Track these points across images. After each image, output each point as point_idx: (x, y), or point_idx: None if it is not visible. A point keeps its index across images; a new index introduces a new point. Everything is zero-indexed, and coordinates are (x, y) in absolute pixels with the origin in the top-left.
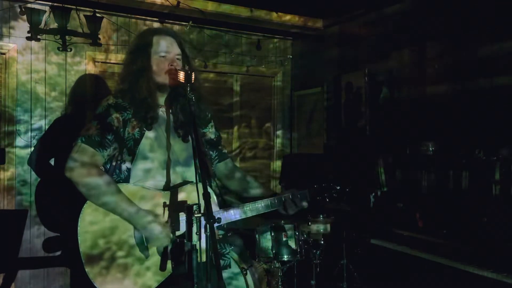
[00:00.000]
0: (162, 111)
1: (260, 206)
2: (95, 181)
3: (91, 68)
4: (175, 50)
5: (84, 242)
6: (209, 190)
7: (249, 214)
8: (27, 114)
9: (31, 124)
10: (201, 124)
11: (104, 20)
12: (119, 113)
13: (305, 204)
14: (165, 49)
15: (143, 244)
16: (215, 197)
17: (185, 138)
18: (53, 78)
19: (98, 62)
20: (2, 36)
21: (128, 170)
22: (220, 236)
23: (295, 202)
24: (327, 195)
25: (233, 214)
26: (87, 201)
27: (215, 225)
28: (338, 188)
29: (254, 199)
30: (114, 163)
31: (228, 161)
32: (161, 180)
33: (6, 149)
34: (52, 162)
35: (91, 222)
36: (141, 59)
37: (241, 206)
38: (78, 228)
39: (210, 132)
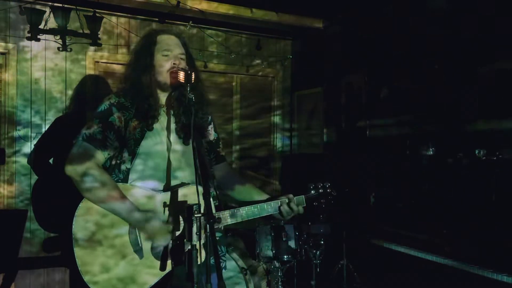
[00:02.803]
0: (163, 111)
1: (256, 210)
2: (94, 179)
3: (91, 68)
4: (179, 49)
5: (78, 242)
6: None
7: (245, 218)
8: (27, 114)
9: (31, 124)
10: (202, 126)
11: (104, 20)
12: (120, 112)
13: (301, 209)
14: (168, 47)
15: (138, 245)
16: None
17: (186, 141)
18: (53, 78)
19: (98, 62)
20: (2, 36)
21: (128, 170)
22: (217, 238)
23: (291, 208)
24: (324, 201)
25: (228, 217)
26: (83, 200)
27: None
28: (335, 194)
29: (251, 203)
30: (113, 163)
31: (225, 164)
32: (160, 181)
33: (6, 151)
34: (51, 161)
35: (86, 222)
36: (145, 57)
37: (236, 210)
38: (73, 227)
39: (210, 133)
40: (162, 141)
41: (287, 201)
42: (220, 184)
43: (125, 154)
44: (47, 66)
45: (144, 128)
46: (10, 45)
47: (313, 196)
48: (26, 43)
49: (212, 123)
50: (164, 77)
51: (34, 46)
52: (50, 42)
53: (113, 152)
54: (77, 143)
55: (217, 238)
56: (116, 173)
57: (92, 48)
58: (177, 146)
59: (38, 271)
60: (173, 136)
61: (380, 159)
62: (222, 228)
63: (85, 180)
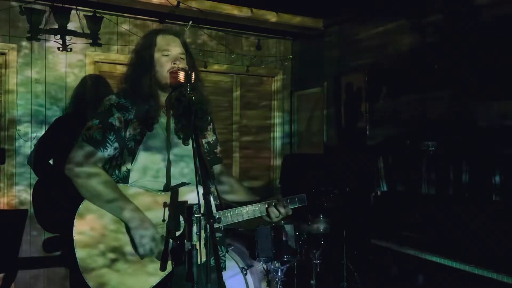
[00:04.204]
0: (163, 112)
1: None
2: (94, 180)
3: (91, 68)
4: (178, 49)
5: (80, 242)
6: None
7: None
8: (27, 114)
9: (31, 124)
10: (201, 126)
11: (104, 20)
12: (121, 113)
13: (289, 211)
14: (168, 47)
15: None
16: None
17: (186, 141)
18: (53, 78)
19: (98, 62)
20: (2, 36)
21: (128, 170)
22: (217, 238)
23: (278, 210)
24: (325, 199)
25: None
26: (84, 201)
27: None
28: (336, 192)
29: (241, 205)
30: (114, 163)
31: (221, 165)
32: (160, 181)
33: (7, 150)
34: (51, 162)
35: (87, 222)
36: (145, 58)
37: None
38: (74, 228)
39: (209, 134)
40: (162, 142)
41: (273, 203)
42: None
43: (126, 155)
44: (47, 66)
45: (144, 129)
46: (10, 45)
47: (315, 194)
48: (26, 43)
49: (211, 123)
50: (164, 77)
51: (34, 46)
52: (50, 42)
53: (113, 153)
54: (77, 144)
55: (217, 238)
56: (117, 173)
57: (92, 48)
58: (176, 146)
59: (38, 271)
60: (172, 137)
61: (380, 159)
62: (223, 228)
63: (84, 180)
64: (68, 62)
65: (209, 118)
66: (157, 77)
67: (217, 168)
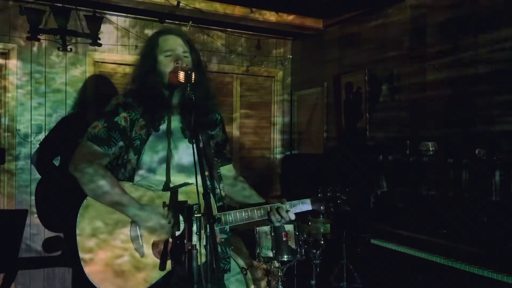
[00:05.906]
0: (169, 112)
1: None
2: (98, 178)
3: (91, 68)
4: (180, 48)
5: (82, 240)
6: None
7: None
8: (27, 114)
9: (31, 124)
10: (210, 125)
11: (104, 20)
12: (127, 112)
13: (291, 215)
14: (170, 48)
15: (139, 243)
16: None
17: (191, 139)
18: (53, 78)
19: (98, 62)
20: (2, 36)
21: (133, 169)
22: (223, 240)
23: (281, 214)
24: (332, 204)
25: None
26: (87, 198)
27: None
28: (345, 198)
29: (245, 207)
30: (119, 162)
31: (230, 166)
32: (164, 181)
33: (7, 150)
34: (55, 162)
35: (89, 221)
36: (149, 60)
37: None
38: (77, 227)
39: (218, 134)
40: (168, 141)
41: (276, 207)
42: (224, 185)
43: (131, 154)
44: (47, 66)
45: (150, 129)
46: (10, 45)
47: (320, 199)
48: (26, 43)
49: (221, 123)
50: (168, 77)
51: (34, 46)
52: (50, 42)
53: (118, 152)
54: (82, 142)
55: (223, 239)
56: (122, 172)
57: (92, 48)
58: (182, 145)
59: (38, 271)
60: (178, 136)
61: (380, 159)
62: (228, 229)
63: (88, 178)
64: (68, 62)
65: (219, 117)
66: (162, 78)
67: (227, 168)
